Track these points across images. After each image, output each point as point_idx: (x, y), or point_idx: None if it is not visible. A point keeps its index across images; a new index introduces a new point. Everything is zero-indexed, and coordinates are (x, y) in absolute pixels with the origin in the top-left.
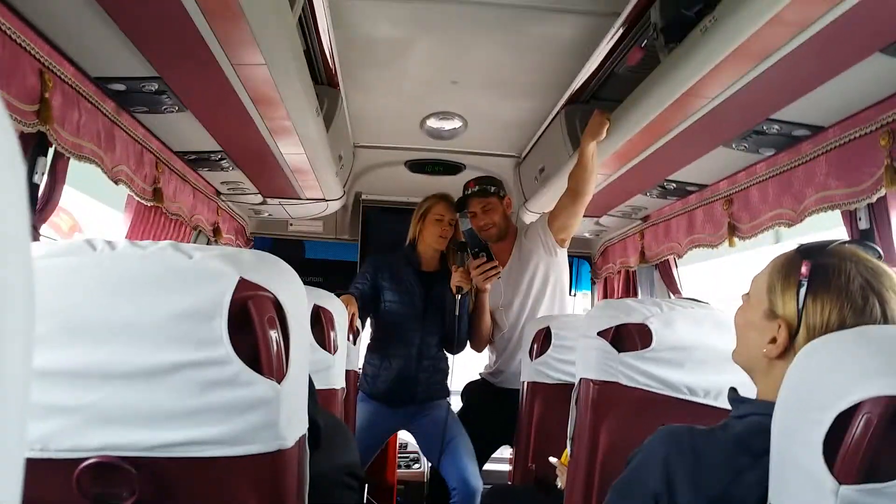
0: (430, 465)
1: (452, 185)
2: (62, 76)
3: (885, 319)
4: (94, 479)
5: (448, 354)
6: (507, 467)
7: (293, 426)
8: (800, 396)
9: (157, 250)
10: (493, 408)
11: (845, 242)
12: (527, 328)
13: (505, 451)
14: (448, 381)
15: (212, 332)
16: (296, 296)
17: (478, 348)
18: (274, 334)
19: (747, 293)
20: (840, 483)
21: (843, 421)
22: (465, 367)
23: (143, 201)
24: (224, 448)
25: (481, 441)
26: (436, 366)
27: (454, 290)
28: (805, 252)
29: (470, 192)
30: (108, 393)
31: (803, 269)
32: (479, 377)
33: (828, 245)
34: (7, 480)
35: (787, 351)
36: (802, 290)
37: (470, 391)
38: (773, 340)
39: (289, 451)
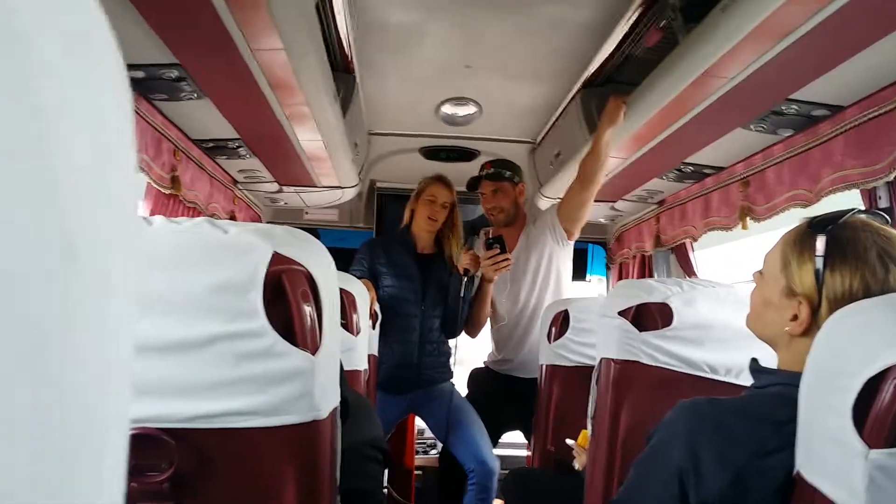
0: (439, 449)
1: (468, 172)
2: None
3: None
4: (134, 451)
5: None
6: (523, 452)
7: (327, 398)
8: (828, 364)
9: (192, 226)
10: (499, 394)
11: (854, 213)
12: (544, 312)
13: (514, 437)
14: (451, 363)
15: (247, 304)
16: (327, 270)
17: (472, 334)
18: (307, 307)
19: (760, 271)
20: (870, 448)
21: (872, 386)
22: (474, 349)
23: (161, 189)
24: (261, 419)
25: (488, 427)
26: (439, 349)
27: (462, 272)
28: (817, 226)
29: (484, 173)
30: (147, 365)
31: (818, 244)
32: (483, 365)
33: (838, 217)
34: (118, 453)
35: (811, 327)
36: (819, 265)
37: (475, 378)
38: (795, 318)
39: (323, 421)
